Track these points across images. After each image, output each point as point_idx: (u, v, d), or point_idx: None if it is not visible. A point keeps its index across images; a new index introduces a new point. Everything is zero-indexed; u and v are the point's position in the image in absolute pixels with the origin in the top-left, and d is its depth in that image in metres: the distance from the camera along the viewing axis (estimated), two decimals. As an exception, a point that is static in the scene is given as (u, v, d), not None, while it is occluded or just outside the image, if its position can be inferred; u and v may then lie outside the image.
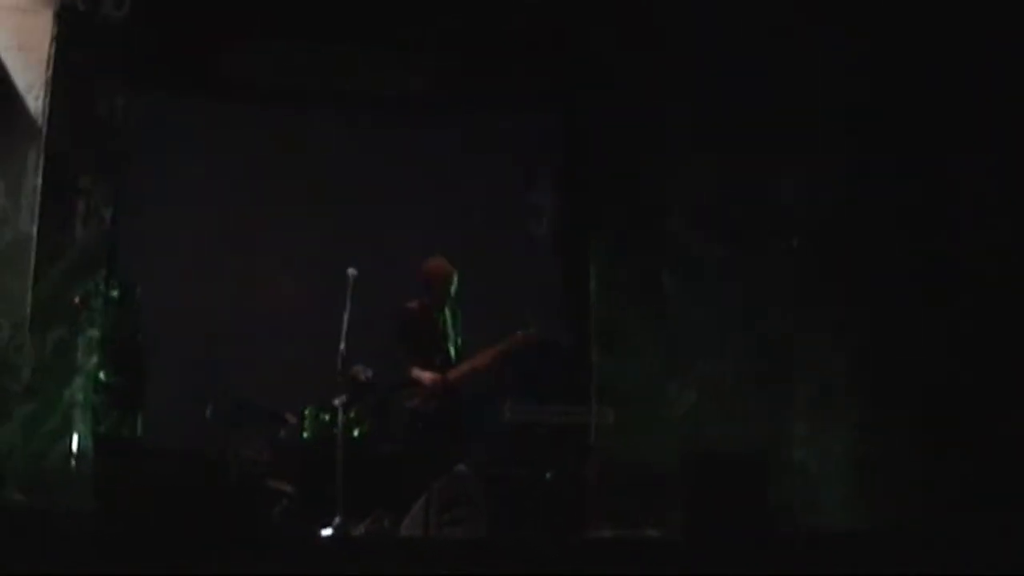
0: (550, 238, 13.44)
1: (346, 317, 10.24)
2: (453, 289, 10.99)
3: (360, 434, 10.90)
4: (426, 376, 10.78)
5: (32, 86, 10.86)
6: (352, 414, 10.76)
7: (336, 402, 10.56)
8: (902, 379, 10.37)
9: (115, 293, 11.28)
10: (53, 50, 10.90)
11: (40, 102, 10.82)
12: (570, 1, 12.35)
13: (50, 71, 10.88)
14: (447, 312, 11.05)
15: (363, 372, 10.97)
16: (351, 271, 10.35)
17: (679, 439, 10.93)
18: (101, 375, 11.07)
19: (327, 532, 9.69)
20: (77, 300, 10.91)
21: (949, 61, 10.36)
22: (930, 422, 10.08)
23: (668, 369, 11.26)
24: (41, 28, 10.92)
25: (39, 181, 10.69)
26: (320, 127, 13.44)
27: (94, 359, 11.00)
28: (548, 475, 10.17)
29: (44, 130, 10.80)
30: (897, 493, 10.15)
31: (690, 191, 11.43)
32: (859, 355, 10.80)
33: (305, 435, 11.09)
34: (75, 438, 10.83)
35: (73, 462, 10.74)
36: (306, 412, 11.11)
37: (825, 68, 11.08)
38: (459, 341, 11.05)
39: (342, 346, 10.23)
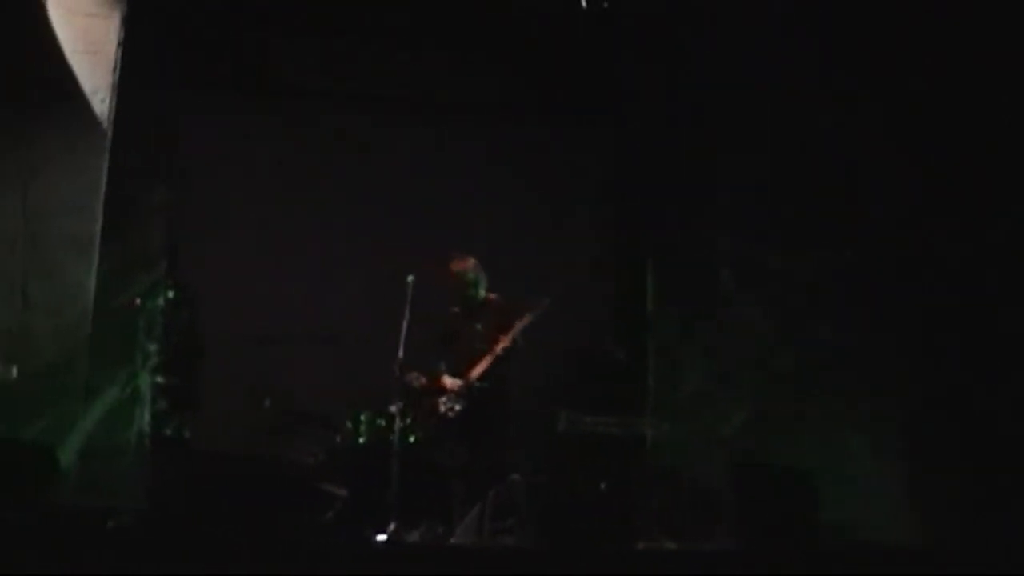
0: (606, 249, 13.44)
1: (405, 323, 10.23)
2: (476, 288, 10.95)
3: (415, 441, 10.91)
4: (447, 381, 10.76)
5: (98, 89, 10.96)
6: (408, 420, 10.77)
7: (392, 408, 10.59)
8: (958, 396, 10.31)
9: (174, 295, 11.37)
10: (119, 54, 11.00)
11: (105, 105, 10.92)
12: (623, 16, 12.35)
13: (116, 74, 10.97)
14: (473, 311, 11.00)
15: (417, 379, 10.97)
16: (411, 277, 10.33)
17: (732, 453, 10.90)
18: (158, 376, 11.15)
19: (381, 538, 9.70)
20: (137, 301, 11.01)
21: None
22: (985, 440, 10.02)
23: (722, 382, 11.22)
24: (108, 32, 11.03)
25: (103, 182, 10.78)
26: (380, 131, 13.49)
27: (152, 360, 11.10)
28: (602, 486, 10.16)
29: (109, 132, 10.89)
30: (950, 511, 10.10)
31: (744, 205, 11.40)
32: (913, 371, 10.76)
33: (360, 440, 11.09)
34: (131, 439, 10.91)
35: (128, 463, 10.82)
36: (362, 417, 11.11)
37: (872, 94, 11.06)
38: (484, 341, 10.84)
39: (400, 352, 10.23)
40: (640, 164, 12.81)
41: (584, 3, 11.70)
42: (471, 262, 10.92)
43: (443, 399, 10.73)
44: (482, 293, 10.87)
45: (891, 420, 10.75)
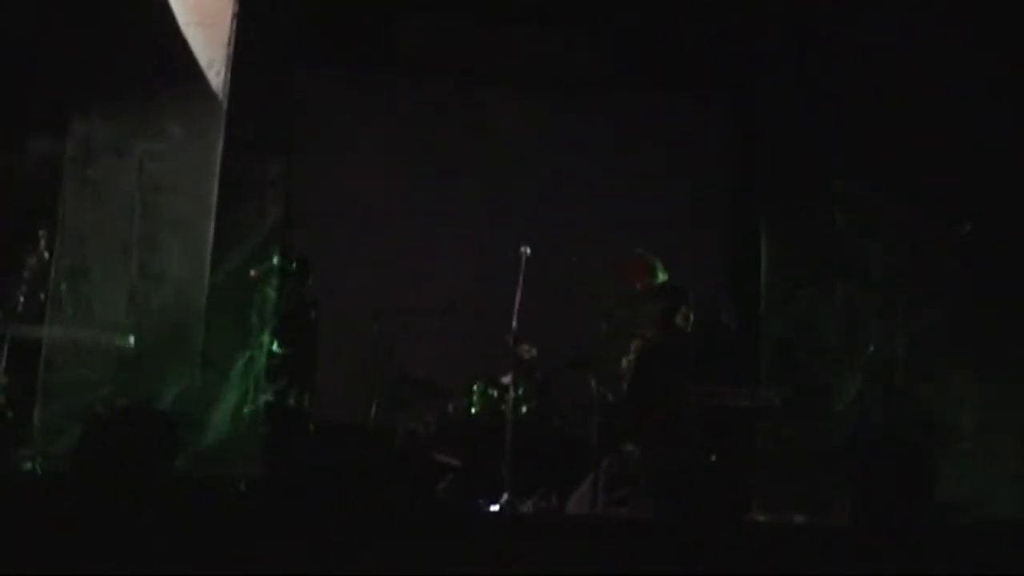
0: (722, 220, 13.37)
1: (518, 295, 10.21)
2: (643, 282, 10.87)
3: (527, 411, 10.92)
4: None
5: (213, 62, 11.04)
6: (520, 391, 10.78)
7: (504, 379, 10.61)
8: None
9: (289, 265, 11.44)
10: (234, 27, 11.07)
11: (221, 78, 11.01)
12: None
13: (231, 47, 11.05)
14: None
15: (528, 351, 10.98)
16: (524, 249, 10.30)
17: (846, 426, 10.80)
18: (274, 347, 11.25)
19: (494, 508, 9.72)
20: (253, 273, 11.11)
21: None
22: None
23: (837, 355, 11.12)
24: (223, 5, 11.10)
25: (219, 155, 10.87)
26: (493, 106, 13.50)
27: (267, 330, 11.20)
28: (712, 457, 10.10)
29: (225, 105, 10.97)
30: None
31: (863, 178, 11.28)
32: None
33: (473, 411, 11.13)
34: (247, 409, 11.03)
35: (244, 433, 10.94)
36: (474, 388, 11.15)
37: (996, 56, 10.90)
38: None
39: (514, 324, 10.21)
40: (757, 135, 12.71)
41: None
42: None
43: None
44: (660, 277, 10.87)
45: (1009, 396, 10.62)
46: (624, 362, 10.54)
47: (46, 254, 10.61)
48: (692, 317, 10.43)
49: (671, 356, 10.44)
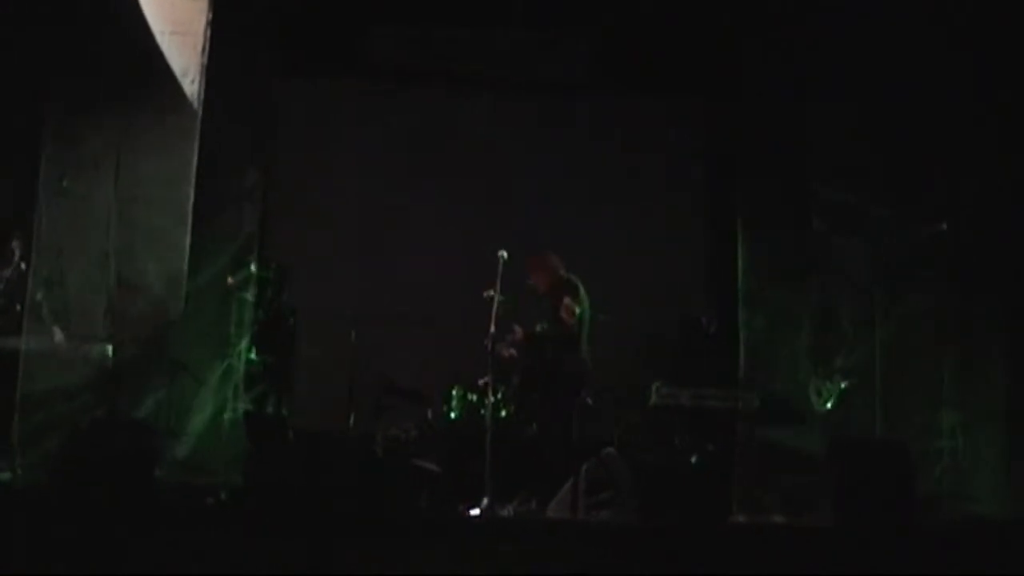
0: (699, 221, 13.37)
1: (496, 298, 10.19)
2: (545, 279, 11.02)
3: (506, 415, 10.90)
4: None
5: (188, 70, 11.03)
6: (499, 395, 10.75)
7: (481, 382, 10.58)
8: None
9: (266, 274, 11.42)
10: (208, 34, 11.06)
11: (196, 85, 10.99)
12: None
13: (205, 55, 11.04)
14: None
15: (507, 349, 10.95)
16: (501, 252, 10.29)
17: (826, 426, 10.81)
18: (251, 354, 11.23)
19: (474, 512, 9.70)
20: (230, 280, 11.09)
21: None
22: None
23: (815, 354, 11.13)
24: (197, 13, 11.09)
25: (194, 163, 10.85)
26: (469, 110, 13.48)
27: (245, 338, 11.19)
28: (693, 459, 10.10)
29: (199, 113, 10.96)
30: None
31: (835, 177, 11.30)
32: (1008, 342, 10.65)
33: (452, 415, 11.10)
34: (225, 416, 11.02)
35: (223, 441, 10.92)
36: (452, 392, 11.12)
37: (968, 57, 10.95)
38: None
39: (492, 327, 10.19)
40: (735, 136, 12.69)
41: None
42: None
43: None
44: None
45: (987, 393, 10.65)
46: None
47: (22, 265, 10.59)
48: (578, 309, 10.58)
49: (557, 342, 10.57)
